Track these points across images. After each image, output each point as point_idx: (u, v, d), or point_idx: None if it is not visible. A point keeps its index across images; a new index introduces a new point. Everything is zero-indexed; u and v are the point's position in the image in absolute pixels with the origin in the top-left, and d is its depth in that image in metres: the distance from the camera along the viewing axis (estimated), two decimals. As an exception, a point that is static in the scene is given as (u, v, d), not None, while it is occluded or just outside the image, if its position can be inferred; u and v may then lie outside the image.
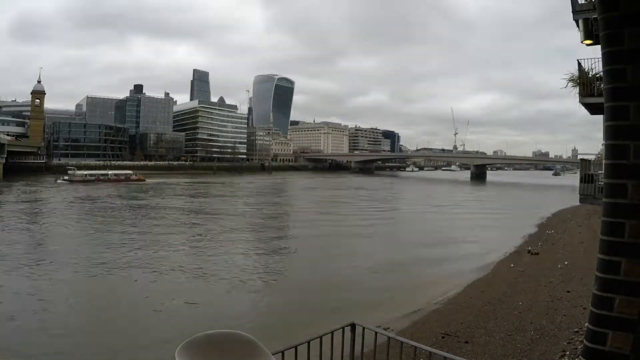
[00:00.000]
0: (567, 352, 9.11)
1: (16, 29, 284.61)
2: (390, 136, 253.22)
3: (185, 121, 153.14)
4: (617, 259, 1.61)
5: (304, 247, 25.59)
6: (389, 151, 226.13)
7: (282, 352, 3.71)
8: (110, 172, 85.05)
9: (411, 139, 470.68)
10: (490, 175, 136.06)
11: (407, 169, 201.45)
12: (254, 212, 42.54)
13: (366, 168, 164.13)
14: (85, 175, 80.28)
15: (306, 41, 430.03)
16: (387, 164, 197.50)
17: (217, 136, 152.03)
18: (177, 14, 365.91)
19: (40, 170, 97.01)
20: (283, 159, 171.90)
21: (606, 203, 1.68)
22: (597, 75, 12.17)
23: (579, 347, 8.83)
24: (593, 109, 12.80)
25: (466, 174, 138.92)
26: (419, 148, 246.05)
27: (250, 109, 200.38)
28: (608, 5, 1.64)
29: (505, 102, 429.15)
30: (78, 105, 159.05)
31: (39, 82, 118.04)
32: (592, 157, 20.12)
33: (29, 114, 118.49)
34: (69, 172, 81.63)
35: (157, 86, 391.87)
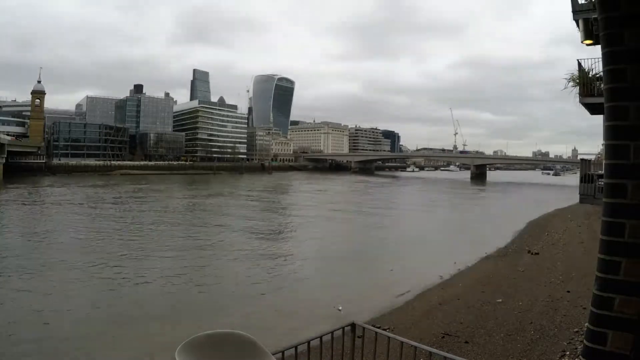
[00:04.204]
0: (567, 352, 9.11)
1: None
2: (391, 136, 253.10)
3: (185, 121, 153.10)
4: (617, 259, 1.61)
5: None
6: (389, 151, 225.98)
7: (282, 352, 3.70)
8: None
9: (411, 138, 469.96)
10: (490, 176, 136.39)
11: (408, 169, 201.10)
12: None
13: (366, 168, 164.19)
14: None
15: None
16: (387, 164, 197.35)
17: (217, 136, 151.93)
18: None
19: (40, 170, 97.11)
20: (283, 159, 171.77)
21: (606, 203, 1.68)
22: (597, 75, 12.18)
23: (579, 347, 8.83)
24: (593, 109, 12.81)
25: (466, 174, 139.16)
26: (419, 148, 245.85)
27: (250, 109, 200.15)
28: (608, 5, 1.64)
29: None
30: (78, 105, 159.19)
31: (39, 82, 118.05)
32: (592, 157, 20.12)
33: (29, 114, 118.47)
34: None
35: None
